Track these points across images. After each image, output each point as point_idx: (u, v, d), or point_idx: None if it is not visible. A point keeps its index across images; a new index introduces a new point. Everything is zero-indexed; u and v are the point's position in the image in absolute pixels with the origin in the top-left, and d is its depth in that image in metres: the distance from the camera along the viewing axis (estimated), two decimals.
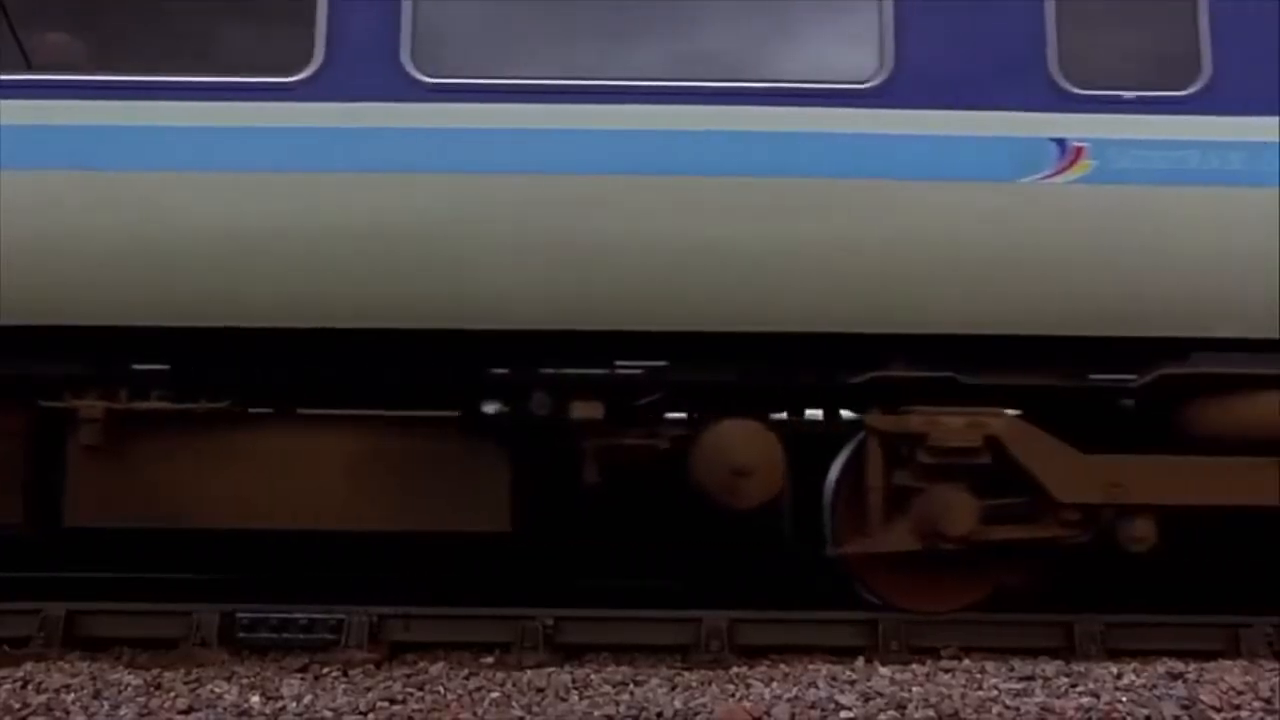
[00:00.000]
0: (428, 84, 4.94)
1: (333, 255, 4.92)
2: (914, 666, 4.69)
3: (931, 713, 4.05)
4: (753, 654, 5.05)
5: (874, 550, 5.21)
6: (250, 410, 5.37)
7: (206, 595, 5.40)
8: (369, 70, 4.94)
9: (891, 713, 4.06)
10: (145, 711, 4.13)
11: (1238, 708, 4.16)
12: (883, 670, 4.61)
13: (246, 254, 4.91)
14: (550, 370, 5.17)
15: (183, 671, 4.61)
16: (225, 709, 4.15)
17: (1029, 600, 5.45)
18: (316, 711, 4.13)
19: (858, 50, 5.06)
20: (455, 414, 5.27)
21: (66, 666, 4.63)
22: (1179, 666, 4.63)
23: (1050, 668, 4.63)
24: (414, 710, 4.17)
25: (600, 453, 5.24)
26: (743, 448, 5.19)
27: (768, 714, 4.05)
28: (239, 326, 4.98)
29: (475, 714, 4.13)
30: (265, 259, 4.92)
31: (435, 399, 5.31)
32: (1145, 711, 4.08)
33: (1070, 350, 5.18)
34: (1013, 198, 4.98)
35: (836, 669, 4.65)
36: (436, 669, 4.69)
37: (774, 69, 5.11)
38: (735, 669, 4.74)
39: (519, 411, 5.14)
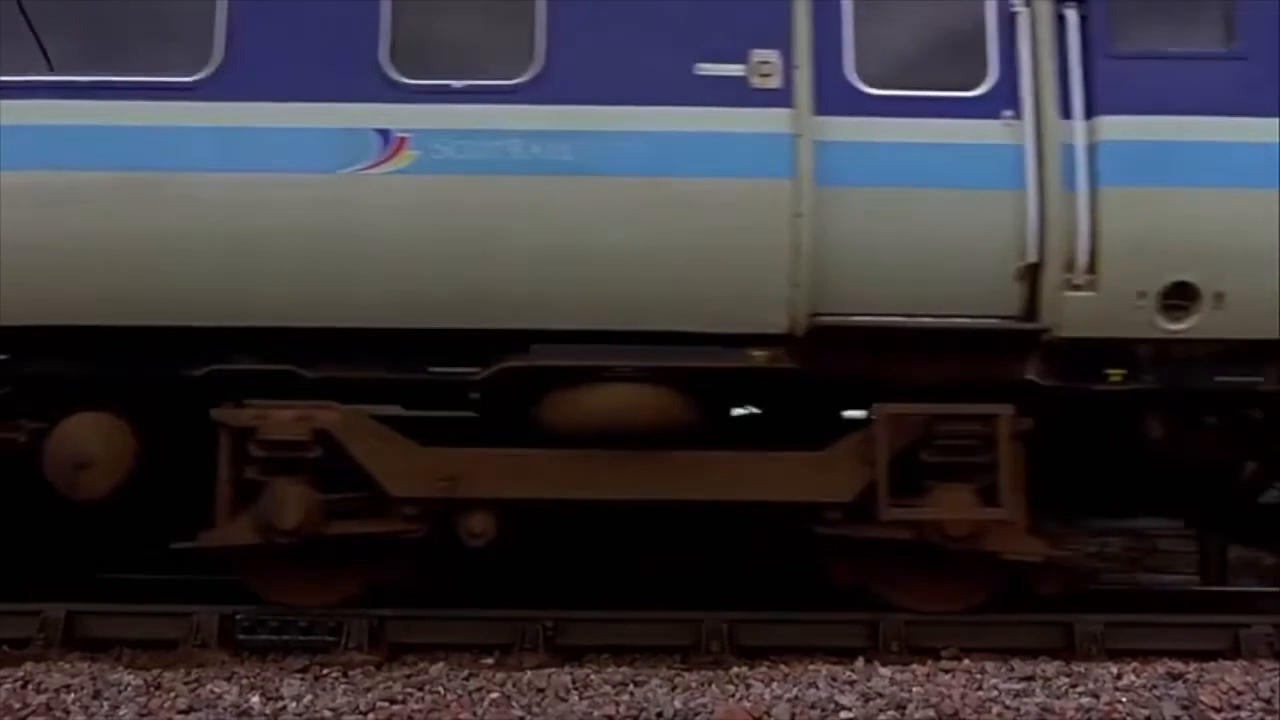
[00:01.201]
0: None
1: None
2: (914, 667, 4.69)
3: (932, 713, 4.05)
4: (753, 654, 5.05)
5: (216, 544, 5.12)
6: None
7: (207, 597, 5.39)
8: None
9: (892, 713, 4.06)
10: (145, 712, 4.13)
11: (1238, 708, 4.16)
12: (883, 671, 4.61)
13: None
14: None
15: (183, 672, 4.62)
16: (225, 709, 4.15)
17: (1027, 601, 5.46)
18: (316, 712, 4.13)
19: (191, 45, 5.04)
20: None
21: (67, 667, 4.64)
22: (1179, 666, 4.63)
23: (1050, 668, 4.63)
24: (414, 710, 4.17)
25: None
26: (83, 441, 5.09)
27: (768, 714, 4.04)
28: None
29: (475, 714, 4.13)
30: None
31: None
32: (1145, 711, 4.08)
33: (421, 343, 5.08)
34: (336, 189, 4.96)
35: (837, 669, 4.65)
36: (437, 670, 4.69)
37: (118, 65, 5.05)
38: (735, 669, 4.74)
39: None
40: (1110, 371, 5.13)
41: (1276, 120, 5.04)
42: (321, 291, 4.99)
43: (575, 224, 4.96)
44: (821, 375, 5.09)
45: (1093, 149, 5.04)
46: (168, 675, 4.55)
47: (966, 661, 4.81)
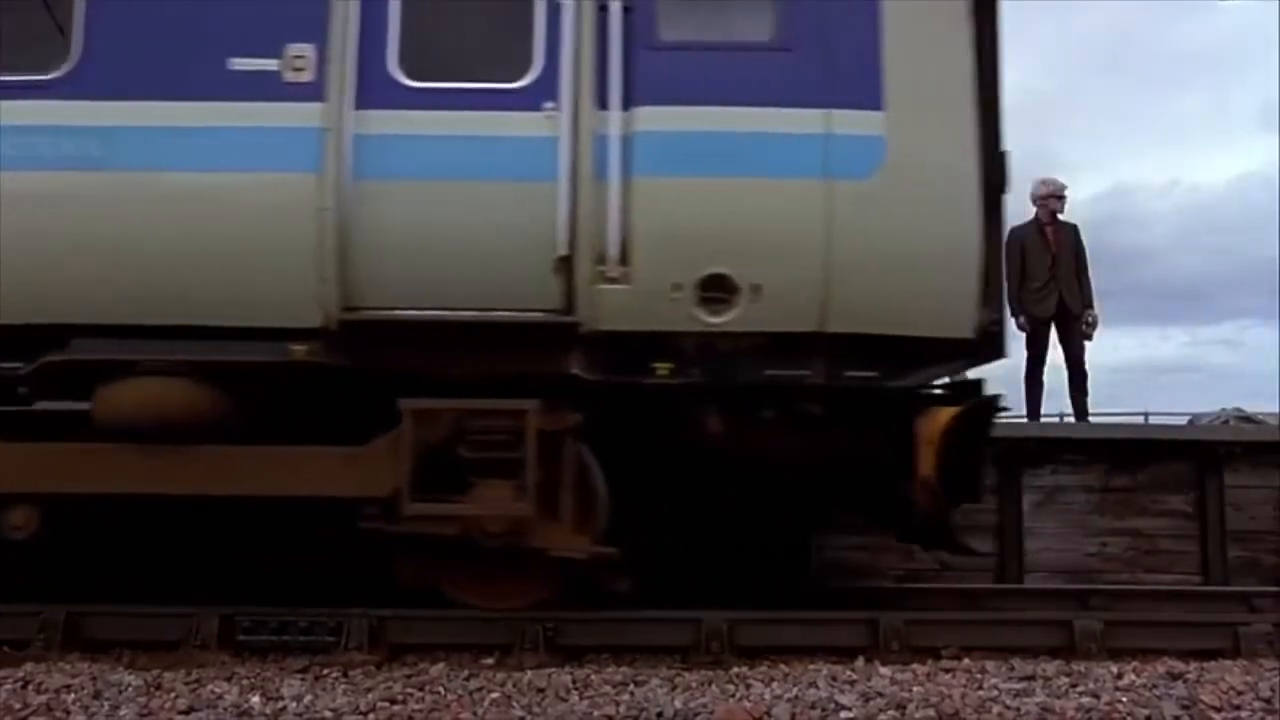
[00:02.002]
0: None
1: None
2: (914, 666, 4.70)
3: (932, 713, 4.05)
4: (753, 654, 5.04)
5: None
6: None
7: (207, 598, 5.39)
8: None
9: (892, 713, 4.06)
10: (145, 712, 4.13)
11: (1238, 708, 4.16)
12: (883, 670, 4.62)
13: None
14: None
15: (183, 672, 4.62)
16: (225, 709, 4.15)
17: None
18: (317, 712, 4.13)
19: None
20: None
21: (67, 667, 4.64)
22: (1179, 666, 4.64)
23: (1050, 667, 4.64)
24: (414, 710, 4.17)
25: None
26: None
27: (768, 714, 4.05)
28: None
29: (476, 714, 4.13)
30: None
31: None
32: (1145, 711, 4.08)
33: None
34: None
35: (837, 669, 4.66)
36: (437, 670, 4.69)
37: None
38: (735, 669, 4.74)
39: None
40: (657, 366, 5.09)
41: (817, 111, 5.02)
42: None
43: (109, 219, 4.96)
44: (366, 370, 5.06)
45: (628, 140, 5.01)
46: (168, 675, 4.55)
47: (966, 661, 4.81)
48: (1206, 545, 7.56)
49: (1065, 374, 8.65)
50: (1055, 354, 8.70)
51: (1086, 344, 8.65)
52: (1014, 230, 8.83)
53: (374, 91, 5.05)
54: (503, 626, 5.10)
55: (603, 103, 5.05)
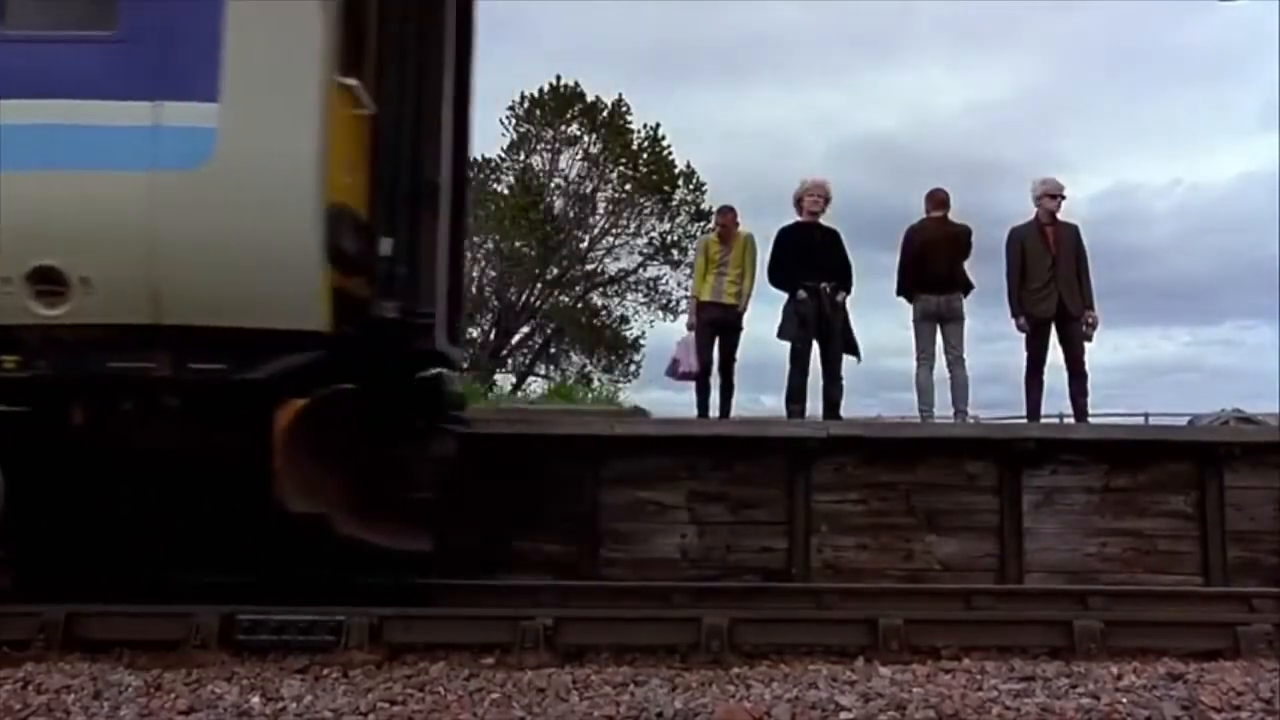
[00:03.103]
0: None
1: None
2: (914, 667, 4.70)
3: (932, 713, 4.05)
4: (753, 654, 5.05)
5: None
6: None
7: (207, 597, 5.39)
8: None
9: (892, 713, 4.06)
10: (145, 712, 4.13)
11: (1238, 708, 4.16)
12: (883, 670, 4.62)
13: None
14: None
15: (183, 672, 4.62)
16: (225, 709, 4.15)
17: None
18: (317, 712, 4.13)
19: None
20: None
21: (67, 667, 4.64)
22: (1179, 666, 4.64)
23: (1050, 668, 4.64)
24: (414, 711, 4.17)
25: None
26: None
27: (768, 714, 4.05)
28: None
29: (476, 714, 4.13)
30: None
31: None
32: (1145, 712, 4.08)
33: None
34: None
35: (837, 669, 4.66)
36: (437, 670, 4.69)
37: None
38: (735, 669, 4.74)
39: None
40: (3, 359, 5.12)
41: (146, 103, 5.02)
42: None
43: None
44: None
45: None
46: (168, 676, 4.55)
47: (966, 661, 4.81)
48: (1206, 545, 7.55)
49: (1065, 374, 8.66)
50: (1055, 354, 8.70)
51: (1086, 344, 8.66)
52: (1014, 230, 8.88)
53: None
54: (503, 626, 5.10)
55: None
